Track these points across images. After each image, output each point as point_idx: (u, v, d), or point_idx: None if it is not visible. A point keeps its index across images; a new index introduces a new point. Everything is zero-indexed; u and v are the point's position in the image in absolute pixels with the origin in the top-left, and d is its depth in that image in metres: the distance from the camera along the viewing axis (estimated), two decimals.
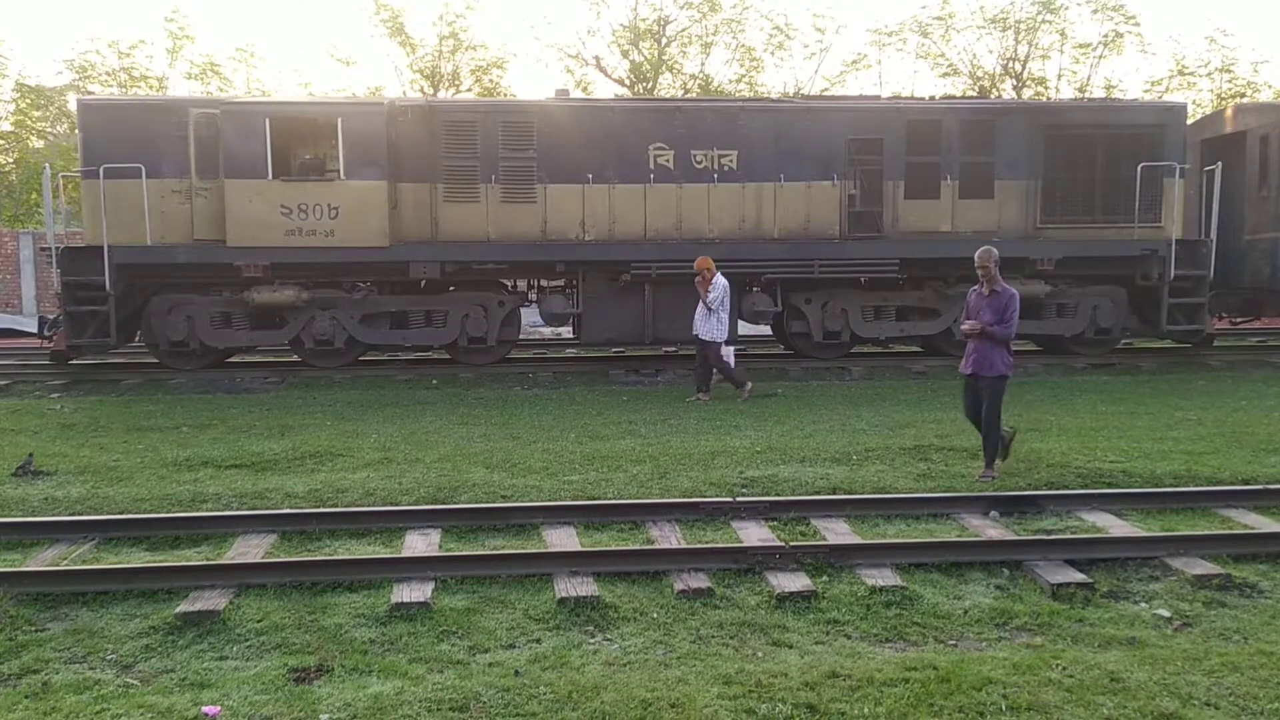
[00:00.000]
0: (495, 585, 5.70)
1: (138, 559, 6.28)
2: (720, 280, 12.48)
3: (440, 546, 6.41)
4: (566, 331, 17.71)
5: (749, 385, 12.50)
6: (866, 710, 4.10)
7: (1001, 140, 15.06)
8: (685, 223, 14.71)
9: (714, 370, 12.60)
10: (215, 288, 14.33)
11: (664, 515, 6.92)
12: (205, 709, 4.13)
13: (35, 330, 15.99)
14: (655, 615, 5.31)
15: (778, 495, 7.42)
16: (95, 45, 39.23)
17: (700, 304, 12.50)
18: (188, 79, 30.08)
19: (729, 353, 12.84)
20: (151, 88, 29.32)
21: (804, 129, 14.82)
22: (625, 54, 30.96)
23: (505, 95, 29.70)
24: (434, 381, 14.10)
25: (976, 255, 8.03)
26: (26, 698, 4.40)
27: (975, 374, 8.13)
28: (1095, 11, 29.98)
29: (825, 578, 5.78)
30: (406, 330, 14.80)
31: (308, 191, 13.90)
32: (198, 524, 6.82)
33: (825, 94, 26.04)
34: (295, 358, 15.36)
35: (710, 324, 12.41)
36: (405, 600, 5.37)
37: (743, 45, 31.50)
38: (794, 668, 4.55)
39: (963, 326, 8.15)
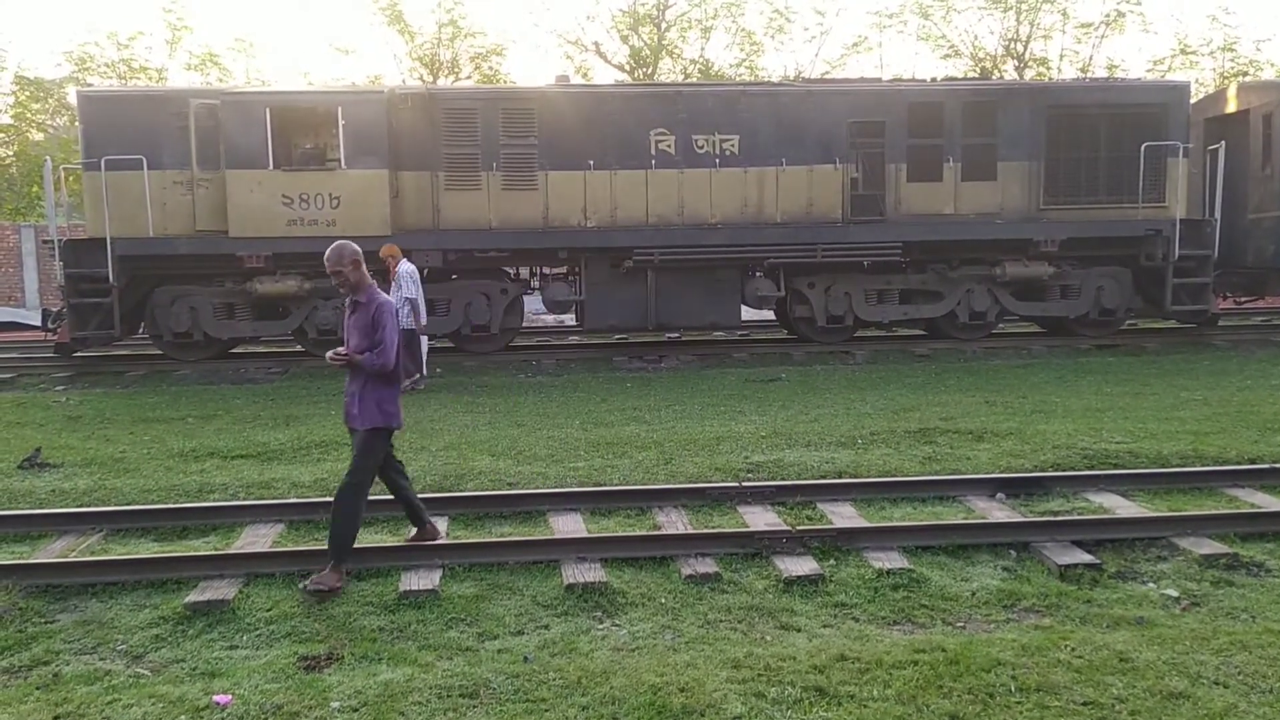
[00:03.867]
0: (503, 572, 5.71)
1: (146, 550, 6.30)
2: (405, 267, 12.20)
3: (447, 534, 6.42)
4: (569, 319, 17.71)
5: (418, 381, 12.37)
6: (876, 692, 4.10)
7: (1004, 121, 14.99)
8: (687, 208, 14.67)
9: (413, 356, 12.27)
10: (218, 279, 14.33)
11: (670, 501, 6.93)
12: (216, 698, 4.15)
13: (39, 324, 16.02)
14: (663, 600, 5.32)
15: (784, 480, 7.42)
16: (94, 37, 39.25)
17: (396, 294, 12.09)
18: (187, 70, 30.05)
19: (423, 342, 12.68)
20: (151, 79, 29.25)
21: (805, 112, 14.76)
22: (625, 39, 30.87)
23: (505, 82, 29.60)
24: (438, 370, 14.09)
25: (325, 258, 5.53)
26: (38, 689, 4.41)
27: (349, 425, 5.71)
28: None
29: (832, 561, 5.78)
30: None
31: (309, 181, 13.88)
32: (205, 514, 6.83)
33: (826, 77, 25.88)
34: (299, 348, 15.37)
35: (405, 312, 11.89)
36: (413, 588, 5.38)
37: (742, 29, 31.43)
38: (802, 651, 4.55)
39: (327, 356, 5.66)
